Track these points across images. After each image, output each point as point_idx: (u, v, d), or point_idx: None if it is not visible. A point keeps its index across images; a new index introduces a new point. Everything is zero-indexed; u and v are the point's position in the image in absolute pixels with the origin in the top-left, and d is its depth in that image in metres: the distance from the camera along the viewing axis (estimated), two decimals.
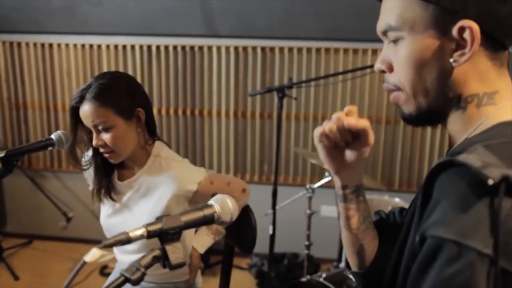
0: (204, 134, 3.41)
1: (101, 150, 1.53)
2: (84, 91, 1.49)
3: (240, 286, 3.12)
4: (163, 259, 0.89)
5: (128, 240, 0.86)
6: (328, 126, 0.86)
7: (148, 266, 0.86)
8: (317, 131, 0.89)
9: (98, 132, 1.50)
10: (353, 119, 0.85)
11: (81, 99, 1.49)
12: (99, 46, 3.35)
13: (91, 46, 3.36)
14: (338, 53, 3.15)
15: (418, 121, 0.85)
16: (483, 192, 0.62)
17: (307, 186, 2.71)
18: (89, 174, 1.71)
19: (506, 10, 0.73)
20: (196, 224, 0.97)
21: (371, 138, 0.87)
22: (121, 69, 3.35)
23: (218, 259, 3.12)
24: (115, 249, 1.71)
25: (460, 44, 0.75)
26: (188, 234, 1.72)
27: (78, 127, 1.55)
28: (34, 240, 3.66)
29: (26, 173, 3.52)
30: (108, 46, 3.34)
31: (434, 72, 0.78)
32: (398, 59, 0.81)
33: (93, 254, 0.80)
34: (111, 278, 1.87)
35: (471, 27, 0.73)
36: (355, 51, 3.12)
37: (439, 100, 0.80)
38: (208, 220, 0.98)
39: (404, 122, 0.88)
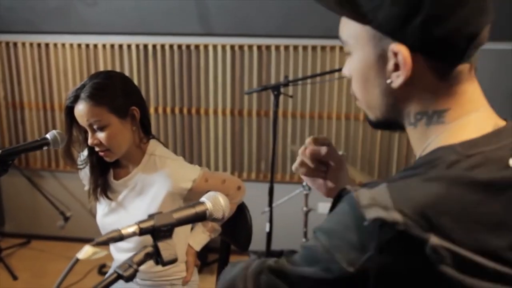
0: (200, 132, 3.41)
1: (97, 149, 1.53)
2: (78, 90, 1.49)
3: None
4: (155, 255, 0.90)
5: (120, 237, 0.87)
6: (296, 162, 1.03)
7: (140, 263, 0.87)
8: (293, 166, 1.04)
9: (93, 131, 1.50)
10: (312, 148, 0.99)
11: (76, 98, 1.49)
12: (95, 46, 3.36)
13: (87, 45, 3.36)
14: (334, 51, 3.16)
15: (380, 127, 0.85)
16: (361, 227, 0.65)
17: (304, 183, 2.72)
18: (85, 174, 1.72)
19: (442, 31, 0.68)
20: (188, 221, 0.97)
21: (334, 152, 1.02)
22: (117, 69, 3.35)
23: (217, 257, 3.12)
24: (112, 248, 1.72)
25: (398, 64, 0.72)
26: (183, 232, 1.73)
27: (73, 126, 1.56)
28: (32, 240, 3.67)
29: (23, 173, 3.52)
30: (104, 46, 3.34)
31: (377, 90, 0.77)
32: (351, 71, 0.81)
33: (86, 251, 0.80)
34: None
35: (400, 51, 0.70)
36: None
37: (392, 114, 0.78)
38: (200, 217, 0.99)
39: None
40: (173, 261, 0.91)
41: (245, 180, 2.74)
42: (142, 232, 0.89)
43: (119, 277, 0.85)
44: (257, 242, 2.08)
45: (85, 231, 3.53)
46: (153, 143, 1.65)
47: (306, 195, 2.73)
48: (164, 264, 0.90)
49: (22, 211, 3.71)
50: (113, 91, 1.52)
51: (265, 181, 3.29)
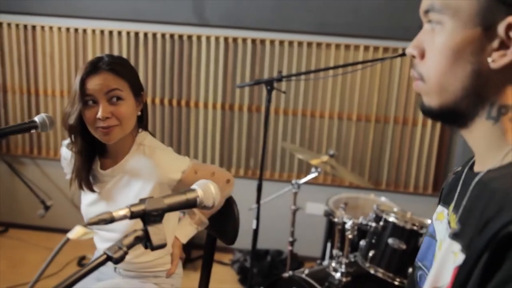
0: (189, 126, 3.34)
1: (102, 124, 1.43)
2: (96, 63, 1.44)
3: (222, 282, 3.07)
4: (145, 239, 0.86)
5: (111, 219, 0.84)
6: None
7: (130, 246, 0.84)
8: None
9: (108, 102, 1.43)
10: None
11: (95, 69, 1.43)
12: (84, 31, 3.26)
13: (76, 30, 3.27)
14: (330, 48, 3.11)
15: (437, 117, 0.76)
16: None
17: (293, 181, 2.67)
18: (67, 162, 1.64)
19: None
20: (179, 207, 0.96)
21: None
22: None
23: (200, 254, 3.06)
24: (96, 238, 1.65)
25: (505, 44, 0.65)
26: (171, 223, 1.67)
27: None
28: (10, 228, 3.55)
29: (4, 158, 3.41)
30: (93, 31, 3.25)
31: (468, 68, 0.68)
32: (432, 46, 0.71)
33: (77, 231, 0.78)
34: None
35: None
36: (347, 46, 3.09)
37: (467, 101, 0.70)
38: (191, 204, 0.98)
39: (422, 114, 0.78)
40: (162, 246, 0.88)
41: (234, 176, 2.68)
42: (132, 215, 0.86)
43: (108, 258, 0.80)
44: (244, 240, 2.02)
45: (66, 221, 3.44)
46: (142, 133, 1.60)
47: (295, 194, 2.68)
48: (153, 248, 0.87)
49: (1, 198, 3.59)
50: (131, 70, 1.52)
51: (253, 178, 3.24)
